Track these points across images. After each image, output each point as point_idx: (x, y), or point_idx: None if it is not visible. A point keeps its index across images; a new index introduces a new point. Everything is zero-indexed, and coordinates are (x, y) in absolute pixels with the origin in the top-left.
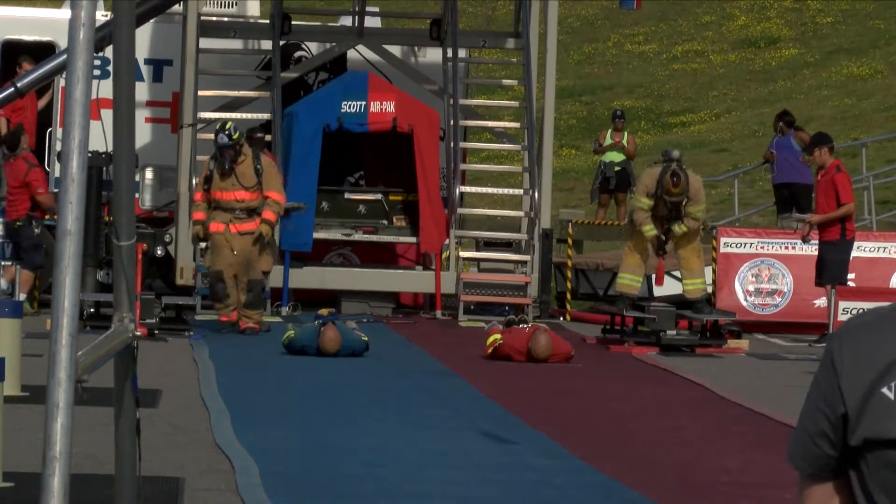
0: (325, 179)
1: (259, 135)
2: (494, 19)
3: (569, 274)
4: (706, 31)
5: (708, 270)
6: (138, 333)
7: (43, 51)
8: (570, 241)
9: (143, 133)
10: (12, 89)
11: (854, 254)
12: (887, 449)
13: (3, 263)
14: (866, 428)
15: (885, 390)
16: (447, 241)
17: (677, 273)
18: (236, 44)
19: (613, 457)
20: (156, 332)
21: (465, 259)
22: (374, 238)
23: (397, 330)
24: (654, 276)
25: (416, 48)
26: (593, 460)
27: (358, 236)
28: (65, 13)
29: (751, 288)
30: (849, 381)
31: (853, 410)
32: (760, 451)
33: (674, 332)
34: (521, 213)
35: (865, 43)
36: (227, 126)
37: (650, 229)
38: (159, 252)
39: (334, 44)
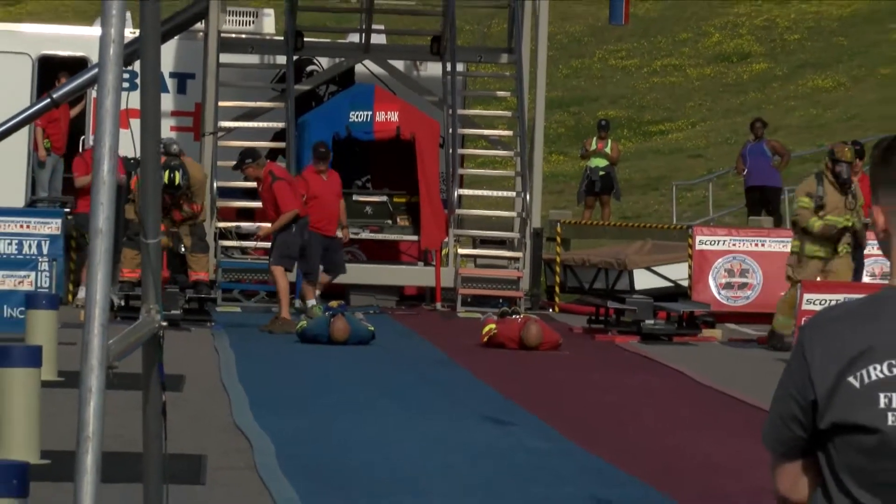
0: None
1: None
2: (490, 36)
3: (557, 269)
4: (683, 48)
5: (684, 266)
6: (164, 324)
7: (76, 65)
8: (558, 239)
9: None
10: (48, 100)
11: None
12: (853, 433)
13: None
14: (834, 413)
15: (851, 379)
16: (446, 240)
17: (657, 269)
18: (253, 59)
19: (602, 439)
20: (180, 322)
21: (462, 256)
22: (379, 236)
23: (401, 320)
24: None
25: (417, 63)
26: (584, 443)
27: (365, 235)
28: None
29: (723, 281)
30: (818, 370)
31: (822, 397)
32: (734, 433)
33: (653, 323)
34: (513, 214)
35: (830, 58)
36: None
37: (842, 220)
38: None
39: (343, 59)
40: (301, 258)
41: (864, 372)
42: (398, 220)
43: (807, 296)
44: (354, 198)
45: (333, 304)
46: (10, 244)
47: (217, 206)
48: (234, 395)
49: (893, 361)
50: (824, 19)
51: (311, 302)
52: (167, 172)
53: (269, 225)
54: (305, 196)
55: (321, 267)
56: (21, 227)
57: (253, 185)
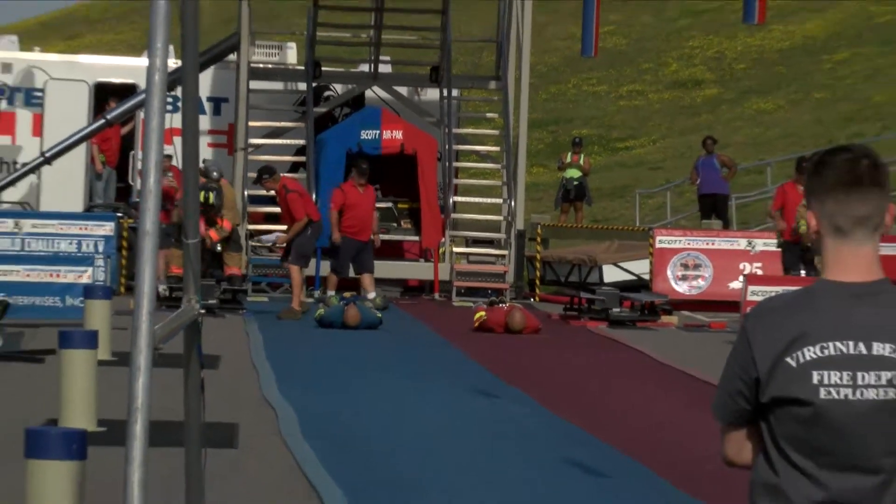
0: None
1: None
2: (480, 66)
3: (538, 265)
4: (645, 76)
5: (646, 262)
6: (202, 311)
7: (127, 90)
8: (538, 239)
9: (205, 155)
10: (103, 121)
11: (762, 247)
12: (790, 405)
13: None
14: (774, 389)
15: (788, 360)
16: (443, 240)
17: (623, 264)
18: (278, 85)
19: (573, 408)
20: (216, 310)
21: (457, 253)
22: (386, 237)
23: (404, 309)
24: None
25: (418, 89)
26: (557, 410)
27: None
28: (144, 61)
29: (679, 274)
30: (760, 352)
31: (763, 375)
32: (688, 404)
33: (619, 310)
34: (500, 218)
35: (771, 84)
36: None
37: None
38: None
39: (354, 85)
40: (333, 257)
41: (799, 353)
42: (402, 223)
43: (751, 287)
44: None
45: (347, 294)
46: (70, 244)
47: (248, 210)
48: (262, 372)
49: (825, 344)
50: (766, 51)
51: (372, 295)
52: (203, 192)
53: (285, 234)
54: (343, 205)
55: (352, 266)
56: (80, 229)
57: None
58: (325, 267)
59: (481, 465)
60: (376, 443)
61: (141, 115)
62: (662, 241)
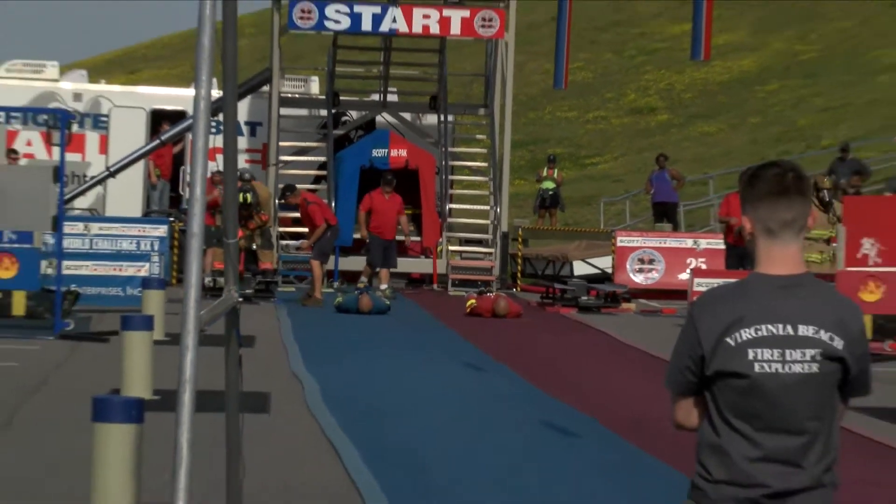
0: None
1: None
2: (471, 96)
3: (519, 261)
4: (608, 104)
5: (609, 258)
6: (240, 299)
7: (178, 116)
8: (520, 239)
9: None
10: (158, 141)
11: (705, 245)
12: (730, 378)
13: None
14: (716, 364)
15: (728, 340)
16: (441, 240)
17: (590, 260)
18: (303, 112)
19: (548, 380)
20: (252, 298)
21: (452, 251)
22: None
23: (409, 297)
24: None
25: (420, 115)
26: (535, 382)
27: None
28: (191, 91)
29: (637, 268)
30: (705, 334)
31: (708, 353)
32: (643, 376)
33: (587, 298)
34: (488, 222)
35: (713, 111)
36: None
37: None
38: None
39: (367, 112)
40: (368, 253)
41: (737, 334)
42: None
43: (696, 279)
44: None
45: (361, 285)
46: (131, 243)
47: (278, 216)
48: (290, 350)
49: (758, 326)
50: (709, 83)
51: (384, 285)
52: (241, 194)
53: (307, 240)
54: (370, 208)
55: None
56: (139, 231)
57: None
58: (343, 262)
59: (472, 426)
60: (386, 409)
61: (189, 136)
62: (623, 240)
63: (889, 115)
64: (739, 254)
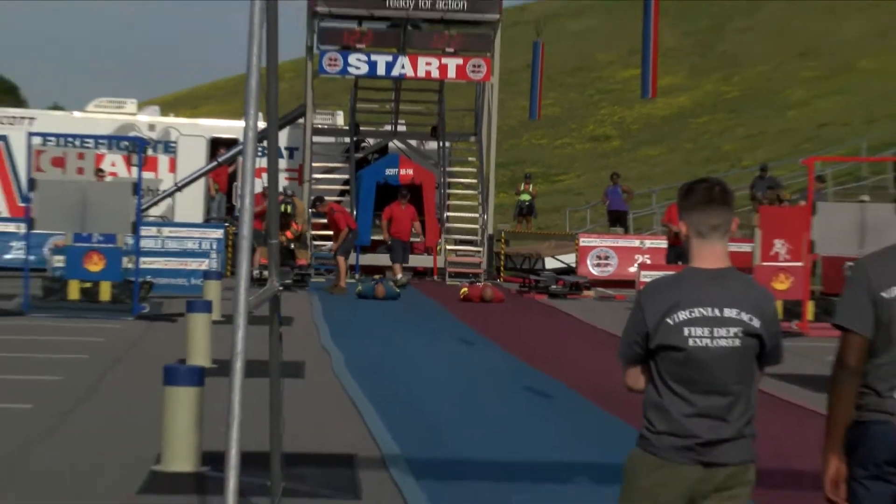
0: (378, 208)
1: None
2: (464, 126)
3: (502, 257)
4: (573, 132)
5: (573, 255)
6: (280, 288)
7: (231, 143)
8: (502, 240)
9: (283, 185)
10: (215, 163)
11: (649, 245)
12: (669, 351)
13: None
14: (658, 339)
15: (668, 320)
16: (440, 240)
17: (559, 257)
18: (331, 139)
19: (526, 352)
20: (290, 287)
21: (448, 249)
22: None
23: (414, 286)
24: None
25: (423, 141)
26: (517, 354)
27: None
28: (241, 123)
29: (595, 263)
30: (649, 315)
31: (651, 330)
32: (599, 349)
33: (556, 287)
34: (477, 226)
35: (656, 139)
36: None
37: None
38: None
39: (381, 139)
40: (390, 252)
41: (675, 315)
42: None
43: (642, 272)
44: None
45: (376, 276)
46: (194, 243)
47: (311, 222)
48: (321, 328)
49: (692, 309)
50: (653, 117)
51: (399, 275)
52: (282, 205)
53: (335, 242)
54: (390, 216)
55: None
56: (200, 233)
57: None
58: (362, 259)
59: (464, 388)
60: (396, 375)
61: (240, 158)
62: (584, 241)
63: (796, 142)
64: (677, 252)
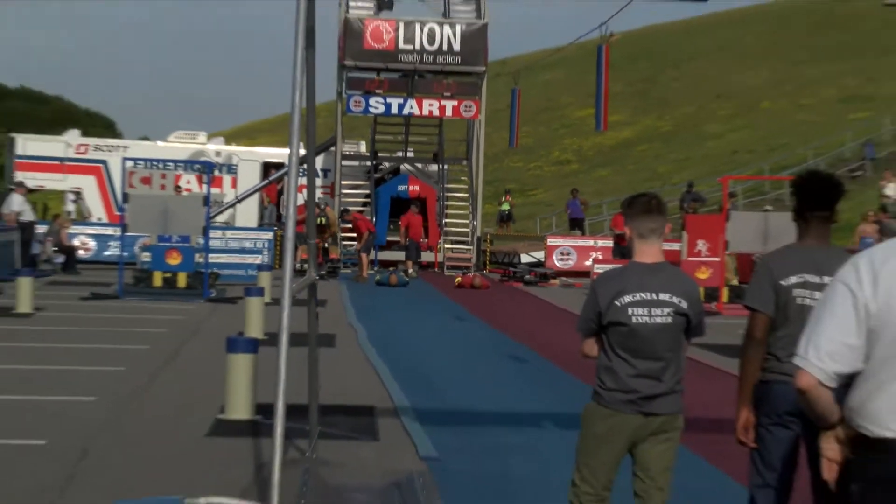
0: (392, 216)
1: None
2: (458, 153)
3: (487, 254)
4: (541, 158)
5: (542, 252)
6: (316, 277)
7: (279, 166)
8: (488, 240)
9: (318, 198)
10: (267, 181)
11: (601, 244)
12: (617, 326)
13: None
14: (608, 317)
15: (616, 302)
16: (439, 241)
17: (532, 254)
18: (356, 163)
19: (509, 327)
20: (324, 277)
21: (446, 247)
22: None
23: (420, 277)
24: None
25: (426, 164)
26: (500, 328)
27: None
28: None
29: (559, 258)
30: (602, 298)
31: (603, 310)
32: (564, 325)
33: (530, 277)
34: (468, 230)
35: (607, 163)
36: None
37: None
38: (326, 245)
39: (394, 163)
40: (406, 251)
41: (621, 299)
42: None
43: (596, 265)
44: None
45: (391, 268)
46: (250, 243)
47: (340, 227)
48: (348, 309)
49: (634, 294)
50: (604, 146)
51: (410, 270)
52: (319, 217)
53: (358, 243)
54: (407, 223)
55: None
56: (255, 235)
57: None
58: (380, 255)
59: (457, 354)
60: (405, 345)
61: (286, 178)
62: (551, 241)
63: (714, 165)
64: (621, 250)
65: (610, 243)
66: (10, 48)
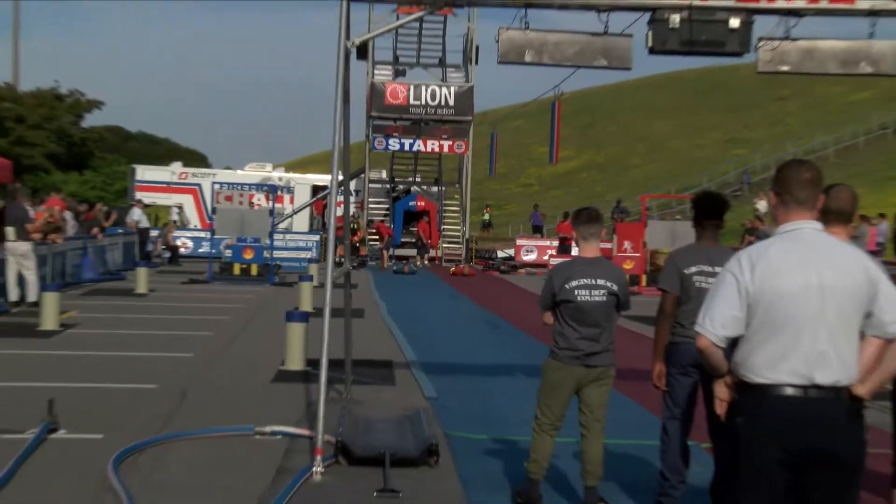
0: (405, 224)
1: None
2: (452, 178)
3: (473, 251)
4: (512, 182)
5: (513, 250)
6: (349, 268)
7: (325, 188)
8: (474, 241)
9: (352, 212)
10: (315, 198)
11: (555, 244)
12: (567, 303)
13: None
14: (561, 296)
15: (566, 286)
16: (439, 241)
17: (506, 251)
18: (379, 185)
19: (490, 305)
20: (356, 268)
21: (444, 246)
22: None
23: (425, 268)
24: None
25: (429, 186)
26: (484, 305)
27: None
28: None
29: (525, 253)
30: (556, 283)
31: (557, 291)
32: (529, 304)
33: (504, 268)
34: (459, 234)
35: (557, 185)
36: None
37: None
38: (357, 245)
39: (407, 185)
40: (416, 248)
41: (570, 283)
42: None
43: (552, 259)
44: (411, 229)
45: (403, 261)
46: (303, 243)
47: (367, 231)
48: (373, 290)
49: (580, 280)
50: (559, 173)
51: (419, 263)
52: (352, 224)
53: (380, 243)
54: (418, 229)
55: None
56: (306, 237)
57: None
58: (396, 252)
59: (453, 326)
60: (414, 317)
61: (329, 197)
62: (519, 242)
63: (635, 188)
64: (565, 247)
65: (556, 243)
66: (132, 101)
